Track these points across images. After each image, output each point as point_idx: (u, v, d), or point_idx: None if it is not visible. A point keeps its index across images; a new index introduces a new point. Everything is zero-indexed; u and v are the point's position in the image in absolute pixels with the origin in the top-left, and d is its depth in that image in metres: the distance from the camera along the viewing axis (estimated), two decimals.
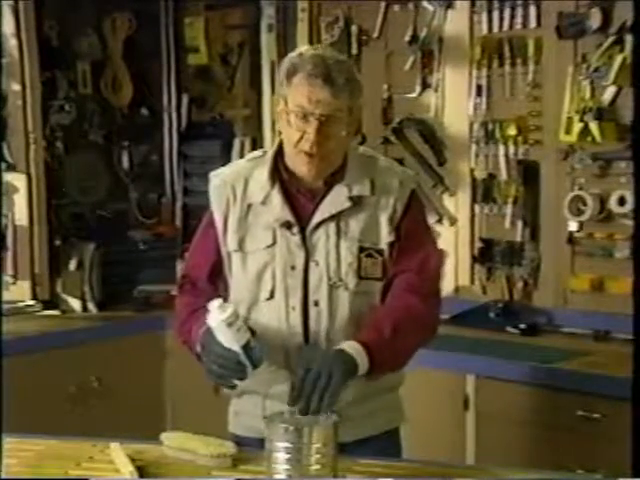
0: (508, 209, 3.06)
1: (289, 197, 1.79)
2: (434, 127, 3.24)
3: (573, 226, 2.89)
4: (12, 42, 3.40)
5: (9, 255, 3.41)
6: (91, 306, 3.55)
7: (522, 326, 2.94)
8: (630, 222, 2.76)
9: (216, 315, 1.61)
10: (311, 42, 3.55)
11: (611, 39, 2.72)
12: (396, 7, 3.31)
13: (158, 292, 3.67)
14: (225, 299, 1.75)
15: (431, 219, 3.20)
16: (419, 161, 3.25)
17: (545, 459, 2.43)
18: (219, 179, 1.86)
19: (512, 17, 3.02)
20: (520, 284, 3.06)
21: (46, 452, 1.76)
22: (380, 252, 1.80)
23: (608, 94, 2.77)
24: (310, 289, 1.77)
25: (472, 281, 3.18)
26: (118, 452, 1.70)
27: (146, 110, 3.93)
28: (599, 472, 2.16)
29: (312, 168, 1.74)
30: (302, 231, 1.78)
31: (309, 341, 1.77)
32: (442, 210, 3.22)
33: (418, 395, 2.22)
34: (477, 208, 3.15)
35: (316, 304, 1.77)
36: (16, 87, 3.43)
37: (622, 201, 2.76)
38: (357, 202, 1.79)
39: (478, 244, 3.15)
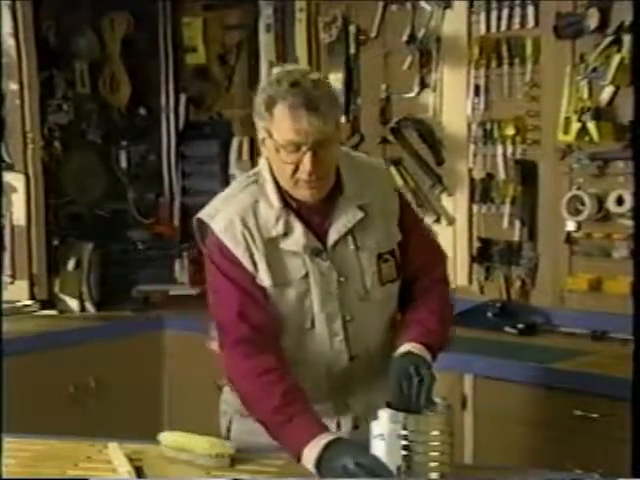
0: (506, 209, 3.06)
1: (306, 222, 1.76)
2: (432, 127, 3.24)
3: (571, 226, 2.90)
4: (10, 42, 3.40)
5: (7, 255, 3.41)
6: (89, 306, 3.54)
7: (520, 326, 2.94)
8: (628, 222, 2.76)
9: (387, 424, 1.52)
10: (309, 42, 3.55)
11: (609, 39, 2.72)
12: (394, 7, 3.31)
13: (156, 292, 3.67)
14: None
15: (429, 219, 3.21)
16: (417, 161, 3.26)
17: (543, 459, 2.44)
18: (224, 219, 1.75)
19: (510, 17, 3.02)
20: (518, 284, 3.06)
21: (44, 452, 1.76)
22: (392, 253, 1.82)
23: (606, 94, 2.77)
24: (345, 307, 1.77)
25: (470, 281, 3.18)
26: (116, 452, 1.70)
27: (144, 110, 3.93)
28: (597, 471, 2.16)
29: (314, 192, 1.71)
30: (326, 252, 1.77)
31: (353, 359, 1.78)
32: (440, 210, 3.22)
33: None
34: (475, 208, 3.15)
35: (351, 320, 1.78)
36: (14, 87, 3.43)
37: (620, 201, 2.76)
38: (366, 210, 1.79)
39: (476, 244, 3.15)
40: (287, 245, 1.75)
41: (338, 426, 1.80)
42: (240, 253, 1.73)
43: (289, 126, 1.64)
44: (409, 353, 1.69)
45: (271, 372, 1.68)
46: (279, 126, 1.65)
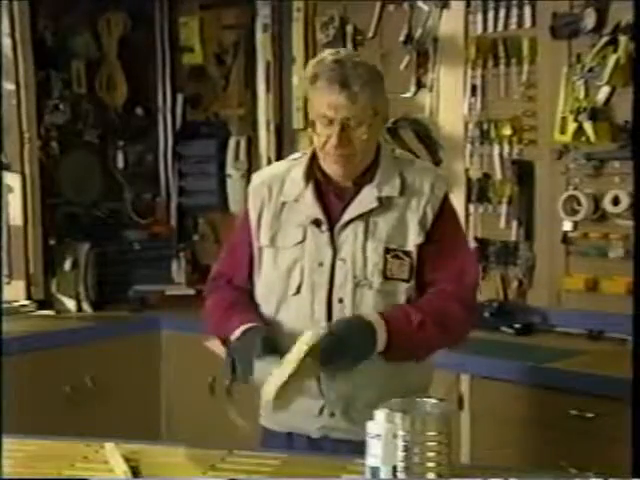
0: (503, 209, 3.06)
1: (321, 196, 1.84)
2: (429, 127, 3.24)
3: (567, 226, 2.90)
4: (6, 42, 3.40)
5: (4, 255, 3.41)
6: (86, 306, 3.54)
7: (517, 326, 2.94)
8: (624, 222, 2.77)
9: (384, 424, 1.51)
10: (306, 42, 3.56)
11: (605, 39, 2.73)
12: (391, 7, 3.32)
13: (153, 292, 3.67)
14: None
15: None
16: None
17: (539, 458, 2.44)
18: (258, 179, 1.94)
19: (507, 17, 3.02)
20: (515, 284, 3.06)
21: (40, 452, 1.75)
22: (407, 254, 1.82)
23: (602, 94, 2.77)
24: (335, 286, 1.81)
25: None
26: (112, 452, 1.70)
27: (141, 110, 3.93)
28: (592, 471, 2.16)
29: (340, 168, 1.80)
30: (331, 229, 1.82)
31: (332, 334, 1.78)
32: None
33: None
34: (472, 208, 3.16)
35: (340, 301, 1.80)
36: (10, 86, 3.42)
37: (616, 201, 2.76)
38: (385, 203, 1.82)
39: (473, 244, 3.15)
40: (295, 212, 1.85)
41: (320, 412, 1.82)
42: (252, 211, 1.90)
43: (323, 100, 1.74)
44: (360, 317, 1.74)
45: (240, 304, 1.88)
46: (316, 98, 1.77)
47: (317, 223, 1.82)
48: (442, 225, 1.84)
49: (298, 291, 1.82)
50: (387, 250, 1.81)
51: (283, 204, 1.86)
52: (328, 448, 1.83)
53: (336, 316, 1.79)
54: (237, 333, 1.78)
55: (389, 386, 1.77)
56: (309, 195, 1.83)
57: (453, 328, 1.83)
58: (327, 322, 1.78)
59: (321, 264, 1.81)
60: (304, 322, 1.79)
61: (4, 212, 3.41)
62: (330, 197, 1.84)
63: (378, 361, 1.74)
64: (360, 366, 1.71)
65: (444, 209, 1.86)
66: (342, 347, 1.67)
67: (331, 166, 1.81)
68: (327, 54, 1.80)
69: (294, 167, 1.89)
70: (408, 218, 1.82)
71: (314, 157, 1.86)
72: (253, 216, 1.89)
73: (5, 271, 3.41)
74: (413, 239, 1.82)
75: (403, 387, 1.77)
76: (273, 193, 1.88)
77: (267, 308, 1.87)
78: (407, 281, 1.82)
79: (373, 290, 1.80)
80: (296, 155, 1.97)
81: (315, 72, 1.77)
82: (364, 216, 1.81)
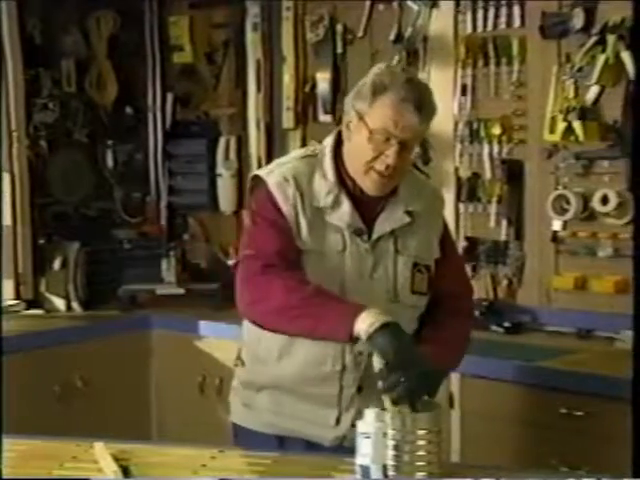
0: (492, 208, 3.07)
1: (355, 203, 1.79)
2: None
3: (557, 225, 2.91)
4: None
5: (4, 255, 3.39)
6: (75, 305, 3.53)
7: (506, 324, 2.95)
8: (613, 221, 2.78)
9: (374, 423, 1.51)
10: (296, 41, 3.55)
11: (593, 39, 2.74)
12: (381, 6, 3.32)
13: (143, 291, 3.66)
14: None
15: None
16: None
17: (529, 456, 2.45)
18: (277, 176, 1.78)
19: (496, 17, 3.03)
20: (504, 283, 3.07)
21: (29, 452, 1.75)
22: (428, 268, 1.84)
23: (591, 94, 2.78)
24: (373, 299, 1.76)
25: None
26: (102, 452, 1.69)
27: (131, 109, 3.91)
28: (583, 469, 2.17)
29: (381, 187, 1.76)
30: (369, 239, 1.80)
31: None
32: None
33: None
34: (462, 207, 3.16)
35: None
36: None
37: (605, 200, 2.77)
38: (412, 218, 1.82)
39: (463, 243, 3.16)
40: (332, 218, 1.78)
41: (337, 422, 1.79)
42: (287, 210, 1.76)
43: (391, 116, 1.68)
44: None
45: (302, 282, 1.69)
46: (380, 112, 1.69)
47: (357, 232, 1.78)
48: (446, 237, 1.91)
49: None
50: (415, 264, 1.82)
51: (317, 209, 1.77)
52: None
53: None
54: (373, 325, 1.58)
55: None
56: (346, 202, 1.77)
57: (463, 342, 1.90)
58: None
59: (362, 275, 1.77)
60: None
61: (4, 212, 3.39)
62: (363, 206, 1.79)
63: None
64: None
65: (445, 223, 1.93)
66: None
67: (369, 179, 1.74)
68: (394, 69, 1.79)
69: (315, 167, 1.80)
70: (430, 233, 1.85)
71: (336, 161, 1.79)
72: (287, 212, 1.75)
73: None
74: (434, 254, 1.85)
75: None
76: (304, 192, 1.77)
77: None
78: (425, 295, 1.85)
79: (404, 304, 1.81)
80: (305, 152, 1.87)
81: (385, 84, 1.69)
82: (394, 230, 1.81)
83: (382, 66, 1.77)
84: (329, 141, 1.83)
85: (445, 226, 1.93)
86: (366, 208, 1.80)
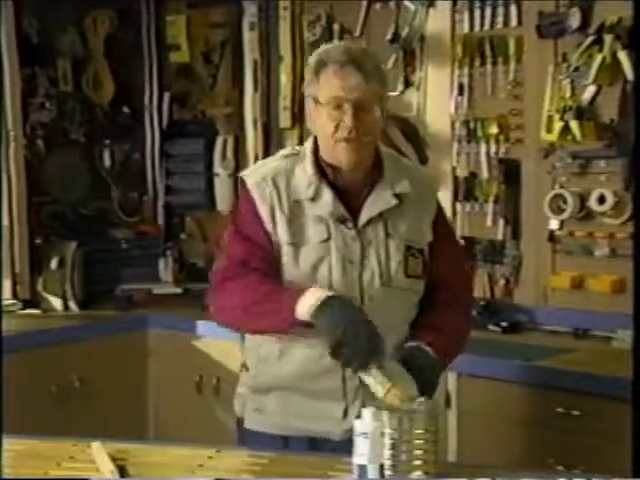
0: (489, 207, 3.07)
1: (337, 192, 1.80)
2: (416, 125, 3.23)
3: (554, 224, 2.91)
4: None
5: (4, 255, 3.39)
6: (72, 305, 3.53)
7: (503, 324, 2.95)
8: (610, 220, 2.78)
9: (371, 422, 1.51)
10: (293, 41, 3.55)
11: (590, 39, 2.74)
12: (378, 5, 3.32)
13: (140, 291, 3.66)
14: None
15: None
16: None
17: (526, 456, 2.45)
18: (257, 176, 1.83)
19: (493, 16, 3.03)
20: (501, 282, 3.07)
21: (27, 452, 1.74)
22: (421, 251, 1.83)
23: (588, 93, 2.79)
24: (365, 284, 1.78)
25: None
26: (99, 451, 1.69)
27: (128, 108, 3.91)
28: (579, 468, 2.18)
29: (352, 155, 1.76)
30: (355, 225, 1.80)
31: None
32: None
33: None
34: (459, 206, 3.16)
35: (371, 299, 1.78)
36: None
37: (602, 199, 2.78)
38: (401, 201, 1.81)
39: (460, 242, 3.16)
40: (313, 209, 1.79)
41: (345, 414, 1.78)
42: (264, 210, 1.79)
43: (335, 82, 1.73)
44: (419, 348, 1.71)
45: (261, 283, 1.74)
46: (325, 84, 1.74)
47: (342, 220, 1.78)
48: (441, 223, 1.88)
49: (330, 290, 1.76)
50: (407, 248, 1.81)
51: (296, 202, 1.79)
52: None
53: (370, 315, 1.65)
54: (317, 299, 1.62)
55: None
56: (327, 192, 1.78)
57: (465, 326, 1.92)
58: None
59: (351, 261, 1.77)
60: None
61: (4, 212, 3.39)
62: (346, 194, 1.80)
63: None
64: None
65: (439, 207, 1.90)
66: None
67: (341, 153, 1.75)
68: (332, 44, 1.82)
69: (295, 163, 1.83)
70: (420, 215, 1.84)
71: (316, 154, 1.82)
72: (264, 212, 1.79)
73: None
74: (426, 237, 1.84)
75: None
76: (281, 189, 1.80)
77: None
78: (421, 279, 1.84)
79: (399, 289, 1.80)
80: (287, 151, 1.90)
81: (322, 58, 1.75)
82: (383, 214, 1.80)
83: (320, 49, 1.81)
84: (310, 139, 1.86)
85: (440, 210, 1.89)
86: (351, 196, 1.80)
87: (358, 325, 1.59)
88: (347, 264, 1.77)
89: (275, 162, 1.87)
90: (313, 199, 1.79)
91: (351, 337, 1.57)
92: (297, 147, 1.91)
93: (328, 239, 1.78)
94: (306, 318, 1.63)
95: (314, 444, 1.81)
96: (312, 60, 1.79)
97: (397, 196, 1.81)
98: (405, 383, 1.61)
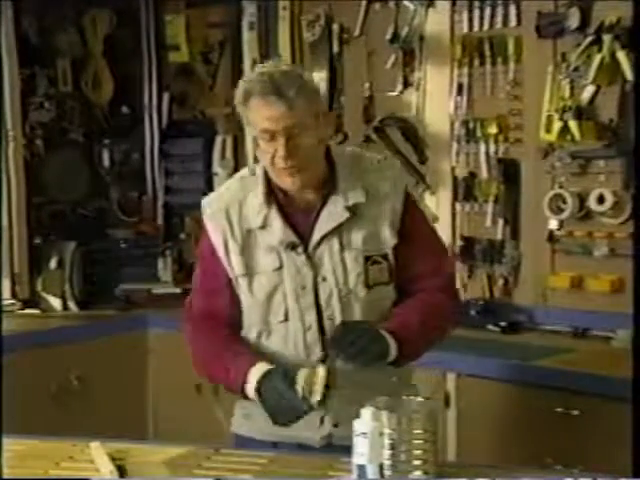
0: (489, 207, 3.07)
1: (287, 217, 1.79)
2: (415, 125, 3.24)
3: (553, 224, 2.91)
4: None
5: (3, 255, 3.39)
6: (72, 305, 3.53)
7: (503, 324, 2.95)
8: (609, 220, 2.78)
9: (370, 423, 1.52)
10: (292, 41, 3.55)
11: (589, 39, 2.74)
12: (377, 5, 3.32)
13: (139, 291, 3.66)
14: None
15: None
16: (400, 159, 3.26)
17: (525, 455, 2.45)
18: (213, 207, 1.85)
19: (492, 16, 3.03)
20: (501, 282, 3.07)
21: (26, 452, 1.75)
22: (385, 257, 1.81)
23: (587, 93, 2.78)
24: (322, 305, 1.78)
25: None
26: (98, 451, 1.69)
27: (127, 108, 3.91)
28: (578, 468, 2.18)
29: (295, 180, 1.74)
30: (306, 249, 1.79)
31: (328, 356, 1.76)
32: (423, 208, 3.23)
33: None
34: (458, 206, 3.16)
35: (330, 318, 1.78)
36: None
37: (601, 199, 2.78)
38: (355, 211, 1.79)
39: (459, 242, 3.16)
40: (263, 237, 1.80)
41: (321, 422, 1.80)
42: (217, 242, 1.83)
43: (261, 114, 1.70)
44: (377, 331, 1.72)
45: (231, 344, 1.82)
46: (254, 117, 1.72)
47: (292, 246, 1.78)
48: (410, 221, 1.83)
49: (286, 318, 1.79)
50: (366, 258, 1.79)
51: (248, 231, 1.80)
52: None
53: (329, 335, 1.75)
54: (256, 377, 1.72)
55: (393, 388, 1.72)
56: (277, 219, 1.78)
57: (446, 320, 1.88)
58: (322, 342, 1.77)
59: (304, 287, 1.78)
60: (295, 348, 1.79)
61: (3, 212, 3.39)
62: (297, 216, 1.79)
63: (381, 368, 1.74)
64: (364, 374, 1.71)
65: (408, 204, 1.84)
66: (355, 351, 1.67)
67: (285, 180, 1.74)
68: (254, 70, 1.77)
69: (249, 189, 1.82)
70: (379, 221, 1.80)
71: (268, 176, 1.80)
72: (218, 245, 1.82)
73: None
74: (388, 242, 1.81)
75: (403, 387, 1.78)
76: (233, 220, 1.81)
77: (248, 336, 1.84)
78: (388, 284, 1.82)
79: (360, 301, 1.79)
80: (245, 172, 1.89)
81: (245, 89, 1.71)
82: (336, 229, 1.78)
83: (245, 77, 1.78)
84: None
85: (411, 206, 1.84)
86: (302, 216, 1.79)
87: (280, 395, 1.66)
88: (300, 290, 1.78)
89: (231, 186, 1.88)
90: (263, 227, 1.79)
91: (276, 407, 1.68)
92: (253, 167, 1.88)
93: (280, 267, 1.79)
94: (250, 394, 1.73)
95: (302, 450, 1.82)
96: (239, 91, 1.74)
97: (350, 208, 1.78)
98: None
